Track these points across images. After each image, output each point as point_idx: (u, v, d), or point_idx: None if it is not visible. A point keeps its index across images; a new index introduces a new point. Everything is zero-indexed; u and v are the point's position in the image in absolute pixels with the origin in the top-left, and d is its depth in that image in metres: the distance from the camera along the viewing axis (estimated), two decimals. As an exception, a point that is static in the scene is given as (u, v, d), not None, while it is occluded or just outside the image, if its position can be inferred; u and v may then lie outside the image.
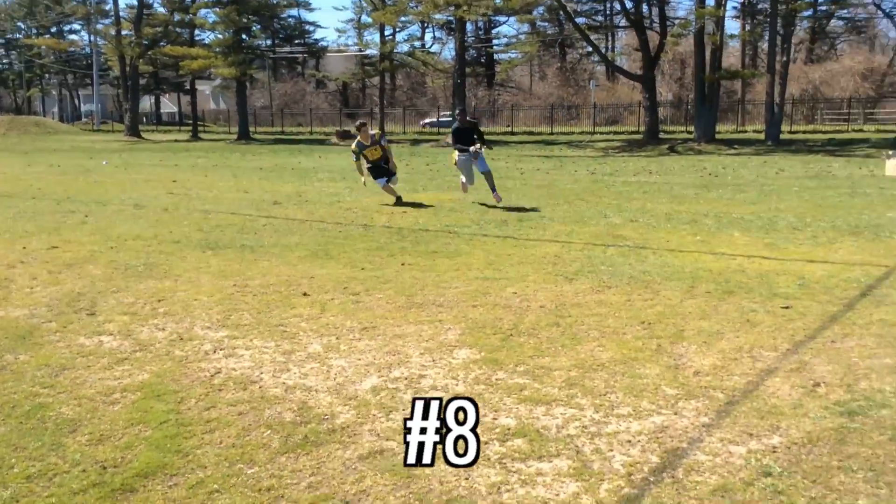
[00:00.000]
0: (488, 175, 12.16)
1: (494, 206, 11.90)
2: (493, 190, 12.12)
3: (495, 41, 59.26)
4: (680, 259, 7.78)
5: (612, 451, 3.56)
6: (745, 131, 38.43)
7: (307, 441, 3.70)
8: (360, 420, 3.94)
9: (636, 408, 4.04)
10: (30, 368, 4.72)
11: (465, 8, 34.37)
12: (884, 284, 6.58)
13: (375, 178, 12.61)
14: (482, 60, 62.53)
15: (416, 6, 38.10)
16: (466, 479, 3.32)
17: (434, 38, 58.54)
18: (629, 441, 3.65)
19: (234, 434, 3.78)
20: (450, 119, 55.07)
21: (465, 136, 12.23)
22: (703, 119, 31.85)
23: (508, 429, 3.80)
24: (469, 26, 57.50)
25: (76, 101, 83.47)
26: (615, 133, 40.92)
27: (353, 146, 12.50)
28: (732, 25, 54.80)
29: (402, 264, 7.68)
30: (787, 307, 5.87)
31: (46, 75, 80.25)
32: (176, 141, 46.75)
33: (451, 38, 40.28)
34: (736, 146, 29.82)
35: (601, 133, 41.64)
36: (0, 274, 7.35)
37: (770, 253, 8.04)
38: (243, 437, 3.75)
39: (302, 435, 3.76)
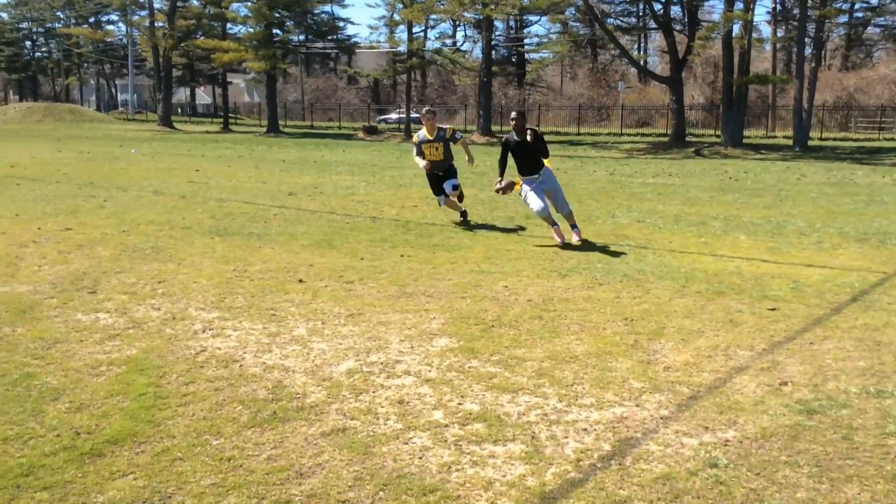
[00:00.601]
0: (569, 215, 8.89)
1: (504, 203, 11.95)
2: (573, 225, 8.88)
3: (526, 40, 59.17)
4: (678, 259, 7.81)
5: (566, 438, 3.65)
6: (775, 136, 38.00)
7: (275, 417, 3.84)
8: (330, 400, 4.07)
9: (599, 399, 4.12)
10: (25, 340, 4.92)
11: (491, 6, 34.37)
12: (876, 290, 6.57)
13: (435, 193, 10.29)
14: (513, 60, 62.44)
15: (444, 4, 38.21)
16: (420, 458, 3.44)
17: (465, 36, 58.66)
18: (585, 430, 3.74)
19: (207, 408, 3.93)
20: (411, 116, 55.48)
21: (524, 157, 8.70)
22: (731, 123, 31.58)
23: (470, 413, 3.91)
24: (500, 25, 57.55)
25: (113, 91, 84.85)
26: (642, 135, 40.69)
27: (415, 137, 10.21)
28: (767, 30, 54.14)
29: (402, 256, 7.81)
30: (773, 309, 5.90)
31: (84, 64, 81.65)
32: (207, 132, 47.34)
33: (481, 36, 40.33)
34: (763, 151, 29.55)
35: (628, 135, 41.43)
36: (12, 252, 7.60)
37: (770, 256, 8.04)
38: (215, 411, 3.89)
39: (271, 411, 3.90)
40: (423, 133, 10.03)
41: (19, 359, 4.59)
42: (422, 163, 10.07)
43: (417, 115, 55.34)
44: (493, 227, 9.81)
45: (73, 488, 3.11)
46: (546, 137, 9.15)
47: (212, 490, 3.12)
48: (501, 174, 8.93)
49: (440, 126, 10.02)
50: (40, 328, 5.19)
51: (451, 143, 9.99)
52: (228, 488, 3.13)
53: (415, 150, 10.17)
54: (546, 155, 8.75)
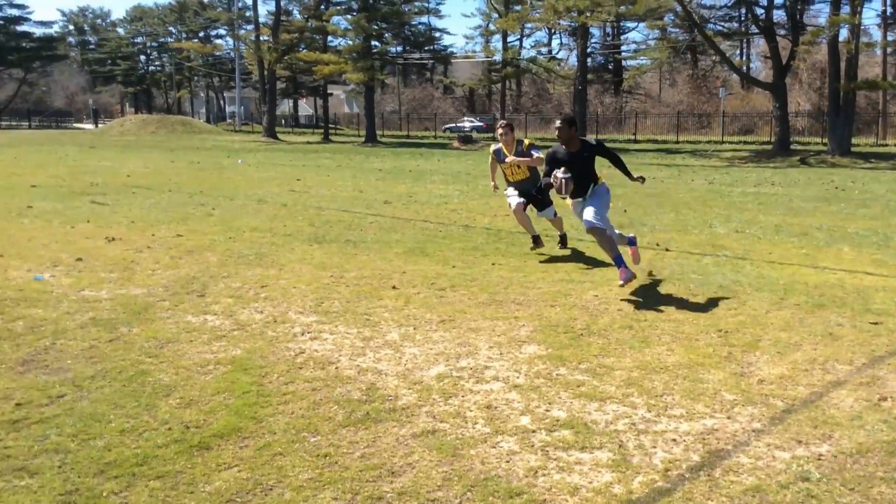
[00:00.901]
0: (595, 232, 6.76)
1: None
2: (619, 264, 6.65)
3: (623, 47, 58.47)
4: (777, 271, 7.61)
5: (654, 447, 3.66)
6: (886, 145, 36.19)
7: (368, 417, 4.00)
8: (420, 402, 4.21)
9: (690, 410, 4.10)
10: (139, 340, 5.28)
11: (587, 14, 34.16)
12: None
13: (517, 196, 8.57)
14: (610, 67, 61.77)
15: (539, 13, 38.23)
16: (507, 461, 3.52)
17: (561, 44, 58.44)
18: (674, 440, 3.74)
19: (305, 407, 4.14)
20: (476, 125, 55.10)
21: (574, 170, 6.80)
22: (838, 131, 30.27)
23: (557, 420, 3.97)
24: (597, 32, 57.03)
25: (221, 103, 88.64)
26: (745, 143, 39.49)
27: (490, 151, 8.86)
28: (877, 33, 51.59)
29: (493, 264, 7.91)
30: (876, 323, 5.70)
31: (195, 77, 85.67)
32: (308, 143, 48.77)
33: (577, 44, 40.12)
34: (872, 160, 28.21)
35: (730, 143, 40.29)
36: (128, 257, 8.12)
37: (875, 269, 7.73)
38: (312, 410, 4.09)
39: (364, 412, 4.07)
40: (500, 150, 8.57)
41: (135, 357, 4.93)
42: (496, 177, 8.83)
43: (479, 123, 55.50)
44: (581, 239, 9.78)
45: (183, 478, 3.34)
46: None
47: (309, 484, 3.29)
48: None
49: (522, 141, 8.53)
50: (154, 328, 5.55)
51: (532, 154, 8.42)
52: (325, 483, 3.30)
53: (490, 161, 8.96)
54: (624, 167, 7.05)
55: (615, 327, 5.60)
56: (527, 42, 56.71)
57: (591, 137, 6.96)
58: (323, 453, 3.59)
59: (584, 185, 6.89)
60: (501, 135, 8.50)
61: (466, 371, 4.70)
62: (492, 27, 43.32)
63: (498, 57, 43.53)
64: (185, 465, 3.45)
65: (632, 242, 7.42)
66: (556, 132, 6.84)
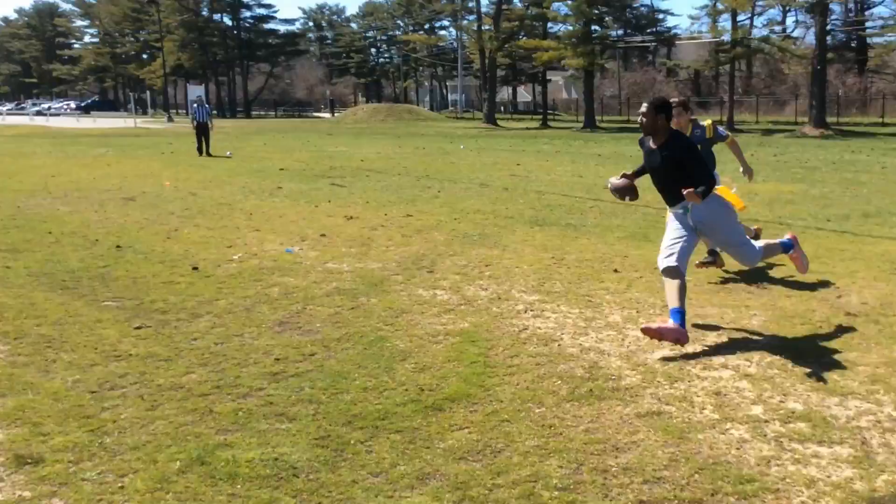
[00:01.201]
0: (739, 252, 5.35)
1: (829, 204, 10.96)
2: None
3: (868, 24, 53.01)
4: None
5: (904, 448, 3.41)
6: None
7: (591, 394, 4.06)
8: (645, 384, 4.20)
9: (946, 412, 3.76)
10: (377, 309, 5.70)
11: (829, -12, 31.32)
12: None
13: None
14: (852, 45, 56.35)
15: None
16: (738, 448, 3.44)
17: (796, 21, 54.23)
18: (927, 442, 3.46)
19: (530, 379, 4.28)
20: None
21: (655, 175, 5.27)
22: None
23: (793, 412, 3.80)
24: (837, 8, 52.19)
25: (444, 91, 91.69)
26: None
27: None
28: None
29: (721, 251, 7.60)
30: None
31: (420, 68, 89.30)
32: (527, 129, 49.21)
33: (815, 21, 37.01)
34: None
35: None
36: (365, 234, 8.74)
37: None
38: (537, 383, 4.22)
39: (588, 388, 4.14)
40: None
41: (374, 324, 5.34)
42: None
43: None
44: (820, 228, 9.13)
45: (419, 434, 3.60)
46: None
47: (535, 451, 3.42)
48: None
49: (697, 123, 6.64)
50: (389, 300, 5.96)
51: (712, 144, 6.69)
52: (550, 451, 3.42)
53: None
54: (701, 179, 4.91)
55: (858, 321, 5.22)
56: (758, 21, 53.14)
57: (703, 122, 4.93)
58: (548, 424, 3.71)
59: (673, 191, 5.08)
60: (678, 115, 6.33)
61: (693, 356, 4.62)
62: (720, 6, 41.04)
63: (726, 37, 41.20)
64: (421, 423, 3.71)
65: (787, 247, 5.62)
66: (640, 118, 5.12)
